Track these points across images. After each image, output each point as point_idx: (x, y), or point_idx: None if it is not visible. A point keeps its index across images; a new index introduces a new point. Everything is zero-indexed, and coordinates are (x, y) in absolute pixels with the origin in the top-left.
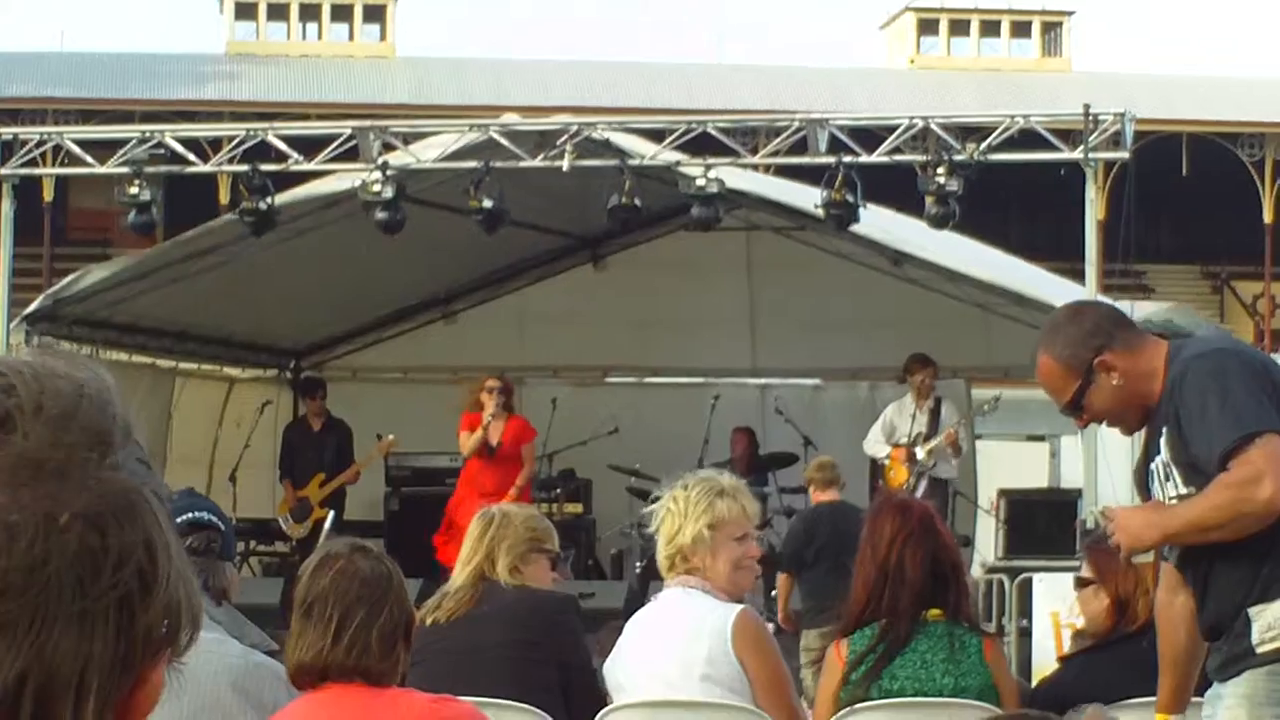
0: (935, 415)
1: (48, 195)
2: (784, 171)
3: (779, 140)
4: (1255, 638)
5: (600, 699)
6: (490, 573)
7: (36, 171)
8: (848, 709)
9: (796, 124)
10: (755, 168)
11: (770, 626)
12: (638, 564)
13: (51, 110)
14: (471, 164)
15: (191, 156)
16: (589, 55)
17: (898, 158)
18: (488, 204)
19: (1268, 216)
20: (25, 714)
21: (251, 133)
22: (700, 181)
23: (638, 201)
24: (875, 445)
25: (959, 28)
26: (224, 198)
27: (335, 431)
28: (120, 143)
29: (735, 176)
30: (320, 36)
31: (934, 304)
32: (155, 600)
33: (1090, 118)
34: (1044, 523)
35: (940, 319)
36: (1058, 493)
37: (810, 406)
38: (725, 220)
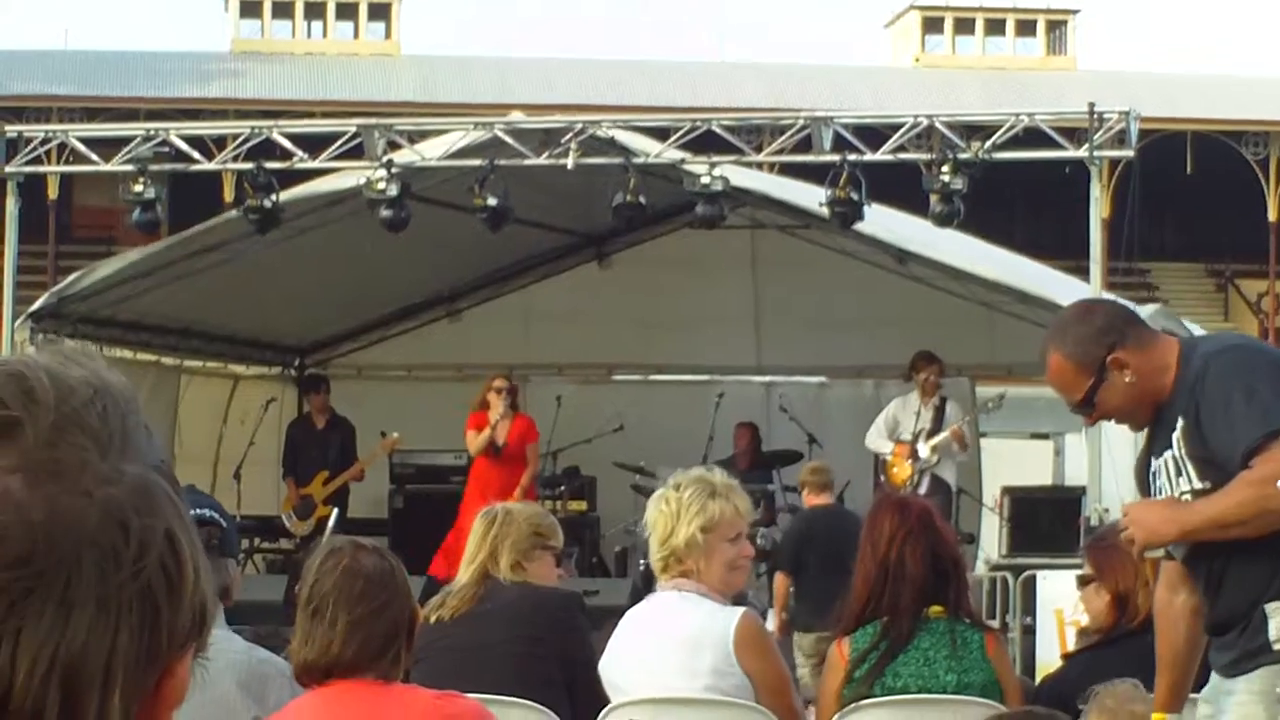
0: (940, 413)
1: (53, 193)
2: (788, 169)
3: (784, 138)
4: (1273, 634)
5: (605, 696)
6: (494, 570)
7: (41, 169)
8: (851, 706)
9: (801, 122)
10: (760, 166)
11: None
12: (642, 561)
13: (56, 108)
14: (476, 162)
15: (196, 154)
16: (593, 54)
17: (902, 156)
18: (492, 202)
19: (1272, 214)
20: (52, 706)
21: (256, 130)
22: (705, 179)
23: (642, 199)
24: (878, 440)
25: (964, 26)
26: (229, 195)
27: (339, 429)
28: (125, 140)
29: (740, 174)
30: (325, 34)
31: (938, 302)
32: (181, 592)
33: (1095, 116)
34: (1048, 520)
35: (945, 317)
36: (1062, 490)
37: (815, 404)
38: (730, 218)
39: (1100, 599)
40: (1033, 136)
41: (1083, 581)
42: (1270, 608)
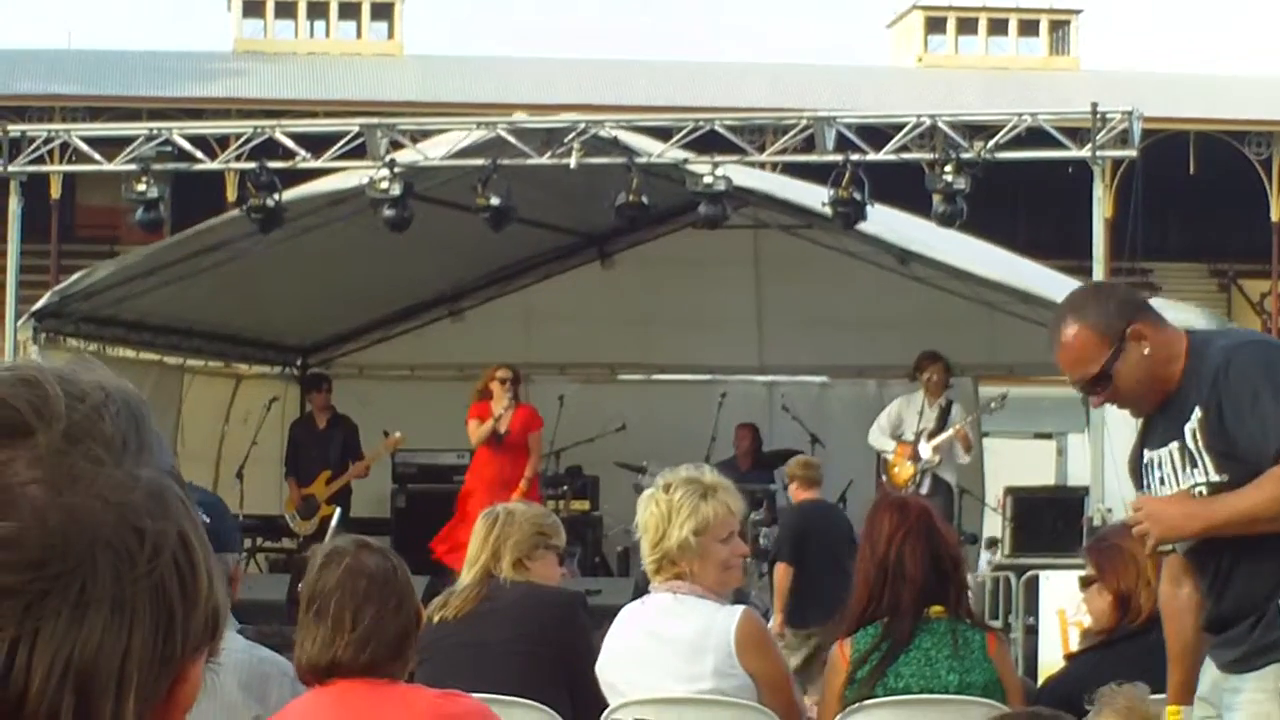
0: (945, 414)
1: (55, 192)
2: (791, 169)
3: (786, 138)
4: None
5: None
6: (496, 571)
7: (44, 169)
8: (854, 707)
9: (804, 122)
10: (762, 166)
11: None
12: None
13: (59, 108)
14: (479, 162)
15: (199, 154)
16: (596, 54)
17: (905, 156)
18: (495, 201)
19: (1275, 215)
20: (68, 709)
21: (259, 130)
22: (707, 179)
23: (645, 199)
24: (880, 438)
25: (967, 26)
26: (231, 195)
27: (341, 427)
28: (128, 140)
29: (742, 174)
30: (328, 34)
31: (941, 302)
32: (194, 595)
33: (1098, 116)
34: (1051, 520)
35: (947, 317)
36: (1065, 490)
37: (817, 404)
38: (732, 218)
39: (1102, 599)
40: (1035, 136)
41: (1084, 582)
42: None
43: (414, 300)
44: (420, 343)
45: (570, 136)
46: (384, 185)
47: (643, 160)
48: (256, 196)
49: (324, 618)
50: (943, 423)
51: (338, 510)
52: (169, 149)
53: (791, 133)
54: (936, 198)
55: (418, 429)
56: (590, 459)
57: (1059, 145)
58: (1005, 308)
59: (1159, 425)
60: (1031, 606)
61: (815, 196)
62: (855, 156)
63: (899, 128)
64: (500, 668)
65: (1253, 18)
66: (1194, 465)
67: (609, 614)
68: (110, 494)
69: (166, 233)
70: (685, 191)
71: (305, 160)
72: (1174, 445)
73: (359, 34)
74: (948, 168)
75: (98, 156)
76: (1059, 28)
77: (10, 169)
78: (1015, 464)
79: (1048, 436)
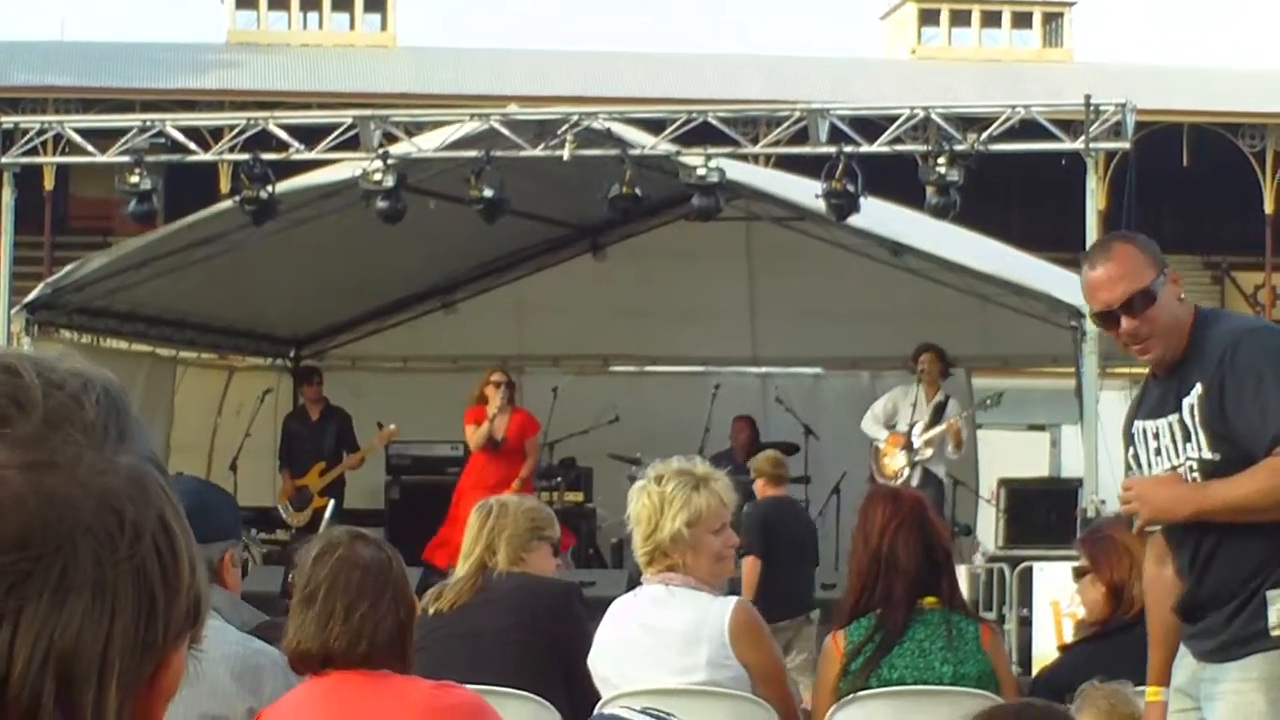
0: (941, 408)
1: (49, 184)
2: (784, 161)
3: (780, 130)
4: (1274, 619)
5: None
6: (491, 562)
7: (37, 160)
8: (848, 698)
9: (797, 114)
10: (756, 158)
11: None
12: None
13: (52, 99)
14: (472, 153)
15: (192, 145)
16: (589, 45)
17: (898, 148)
18: (488, 193)
19: (1269, 207)
20: (49, 694)
21: (252, 122)
22: (700, 171)
23: (638, 191)
24: (873, 426)
25: (960, 18)
26: (225, 186)
27: (334, 419)
28: (121, 131)
29: (735, 167)
30: (321, 26)
31: (934, 294)
32: (176, 581)
33: (1091, 108)
34: (1044, 512)
35: (940, 309)
36: (1058, 482)
37: (811, 396)
38: (725, 210)
39: (1095, 590)
40: (1029, 128)
41: (1078, 573)
42: (1272, 594)
43: (407, 292)
44: (413, 334)
45: (563, 128)
46: (377, 177)
47: (636, 152)
48: (250, 188)
49: (318, 608)
50: (937, 417)
51: (331, 502)
52: (162, 140)
53: (785, 124)
54: (930, 190)
55: (411, 421)
56: (584, 451)
57: (1052, 137)
58: (999, 300)
59: (1154, 393)
60: (1025, 598)
61: (808, 189)
62: (848, 148)
63: (892, 120)
64: (495, 659)
65: (1246, 10)
66: (1188, 440)
67: (603, 606)
68: (90, 480)
69: (160, 224)
70: (678, 183)
71: (299, 152)
72: (1173, 417)
73: (352, 26)
74: (941, 160)
75: (91, 148)
76: (1052, 20)
77: (3, 160)
78: (1009, 456)
79: (1041, 428)
